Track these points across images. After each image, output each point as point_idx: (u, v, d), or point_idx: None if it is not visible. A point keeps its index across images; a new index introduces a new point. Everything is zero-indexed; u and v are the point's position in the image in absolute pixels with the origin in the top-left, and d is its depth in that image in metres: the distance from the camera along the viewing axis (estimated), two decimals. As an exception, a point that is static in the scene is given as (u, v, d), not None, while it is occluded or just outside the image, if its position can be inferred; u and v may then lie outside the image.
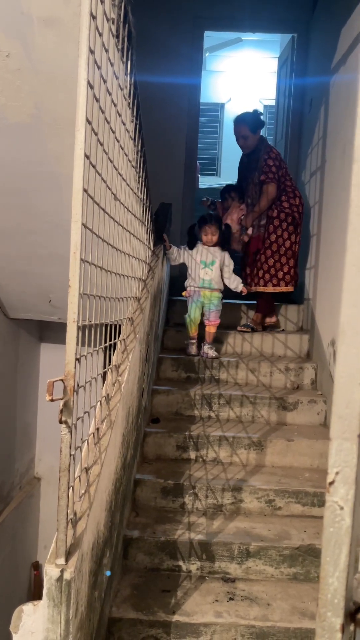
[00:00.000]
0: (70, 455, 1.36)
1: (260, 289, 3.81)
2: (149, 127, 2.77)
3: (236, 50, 8.93)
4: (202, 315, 3.53)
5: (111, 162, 1.70)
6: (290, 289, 3.83)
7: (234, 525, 2.50)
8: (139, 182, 2.44)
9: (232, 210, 4.17)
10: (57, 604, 1.38)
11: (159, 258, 3.27)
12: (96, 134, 1.44)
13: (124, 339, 2.28)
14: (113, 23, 1.66)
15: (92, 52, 1.32)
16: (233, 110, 9.13)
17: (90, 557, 1.60)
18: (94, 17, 1.34)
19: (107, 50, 1.53)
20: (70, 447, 1.35)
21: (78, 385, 1.41)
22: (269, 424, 3.16)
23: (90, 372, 1.63)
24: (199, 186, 6.59)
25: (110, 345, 2.04)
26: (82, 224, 1.32)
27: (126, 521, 2.42)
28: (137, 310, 2.54)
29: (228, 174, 7.85)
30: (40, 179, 2.48)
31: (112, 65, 1.64)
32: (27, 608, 1.47)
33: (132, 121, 2.14)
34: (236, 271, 3.61)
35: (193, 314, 3.51)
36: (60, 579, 1.37)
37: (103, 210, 1.61)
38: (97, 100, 1.44)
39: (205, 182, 7.77)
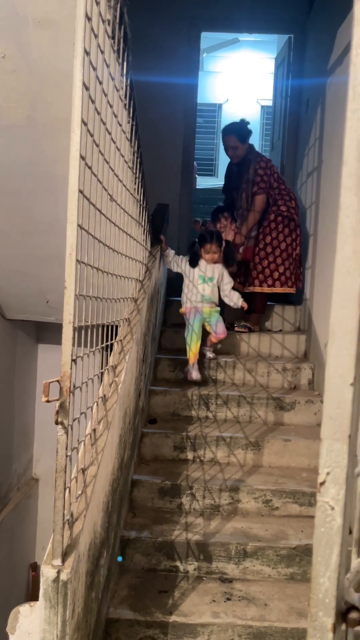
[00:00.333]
0: (67, 456, 1.36)
1: (257, 289, 3.82)
2: (146, 128, 2.77)
3: (233, 50, 8.94)
4: (203, 327, 3.43)
5: (107, 163, 1.71)
6: (286, 289, 3.83)
7: (231, 526, 2.51)
8: (135, 183, 2.45)
9: (226, 231, 4.18)
10: (53, 604, 1.38)
11: (156, 259, 3.27)
12: (92, 135, 1.44)
13: (120, 340, 2.28)
14: (109, 24, 1.66)
15: (87, 53, 1.33)
16: (231, 110, 9.15)
17: (87, 557, 1.60)
18: (89, 19, 1.34)
19: (102, 52, 1.54)
20: (66, 448, 1.35)
21: (74, 386, 1.41)
22: (266, 424, 3.16)
23: (87, 373, 1.63)
24: (197, 187, 6.59)
25: (107, 346, 2.04)
26: (78, 225, 1.33)
27: (123, 522, 2.42)
28: (134, 311, 2.54)
29: (225, 175, 7.81)
30: (36, 180, 2.48)
31: (107, 66, 1.64)
32: (24, 609, 1.47)
33: (129, 122, 2.14)
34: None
35: (197, 327, 3.34)
36: (56, 579, 1.37)
37: (99, 211, 1.61)
38: (93, 102, 1.44)
39: (203, 182, 7.77)
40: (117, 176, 1.91)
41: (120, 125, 1.94)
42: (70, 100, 1.29)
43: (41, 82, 2.01)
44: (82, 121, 1.30)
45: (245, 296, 3.88)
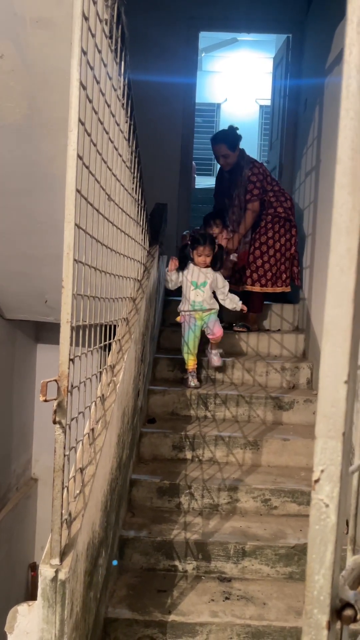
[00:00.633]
0: (65, 455, 1.36)
1: (254, 288, 3.82)
2: (145, 128, 2.77)
3: (232, 50, 8.94)
4: (202, 332, 3.36)
5: (105, 162, 1.71)
6: (281, 289, 3.84)
7: (230, 525, 2.51)
8: (133, 183, 2.45)
9: (218, 238, 4.19)
10: (51, 604, 1.38)
11: (154, 258, 3.27)
12: (89, 135, 1.44)
13: (119, 340, 2.28)
14: (106, 24, 1.66)
15: (84, 52, 1.33)
16: (229, 110, 9.15)
17: (86, 557, 1.60)
18: (86, 18, 1.34)
19: (100, 51, 1.54)
20: (64, 448, 1.35)
21: (72, 385, 1.41)
22: (264, 424, 3.16)
23: (86, 373, 1.63)
24: (196, 186, 6.59)
25: (105, 345, 2.04)
26: (75, 225, 1.33)
27: (122, 521, 2.42)
28: (133, 311, 2.55)
29: (224, 174, 7.81)
30: (35, 179, 2.48)
31: (105, 66, 1.64)
32: (22, 608, 1.47)
33: (127, 121, 2.14)
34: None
35: (191, 342, 3.30)
36: (54, 579, 1.37)
37: (97, 210, 1.61)
38: (90, 101, 1.45)
39: (202, 182, 7.77)
40: (114, 176, 1.91)
41: (118, 124, 1.95)
42: (68, 99, 1.29)
43: (39, 81, 2.01)
44: (80, 120, 1.30)
45: (243, 296, 3.89)
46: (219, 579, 2.33)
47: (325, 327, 0.52)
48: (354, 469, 0.60)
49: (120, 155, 2.04)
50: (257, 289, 3.81)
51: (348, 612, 0.53)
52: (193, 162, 5.42)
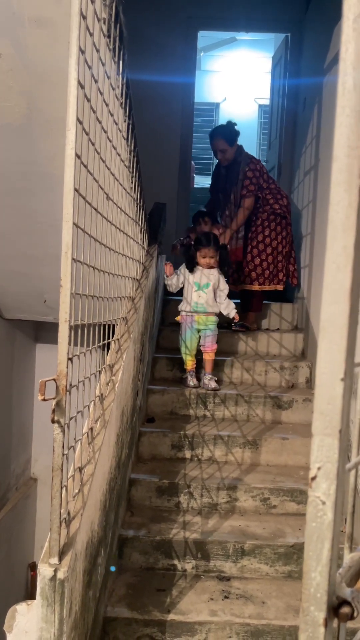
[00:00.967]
0: (63, 454, 1.36)
1: (253, 287, 3.82)
2: (143, 127, 2.77)
3: (231, 49, 8.93)
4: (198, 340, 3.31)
5: (103, 161, 1.71)
6: (277, 287, 3.85)
7: (229, 524, 2.51)
8: (132, 182, 2.45)
9: None
10: (50, 603, 1.38)
11: (153, 258, 3.27)
12: (87, 134, 1.44)
13: (118, 339, 2.28)
14: (104, 23, 1.66)
15: (82, 52, 1.33)
16: (228, 109, 9.14)
17: (85, 556, 1.60)
18: (84, 17, 1.34)
19: (98, 50, 1.54)
20: (63, 447, 1.35)
21: (70, 384, 1.41)
22: (263, 423, 3.16)
23: (85, 372, 1.63)
24: (195, 186, 6.60)
25: (104, 345, 2.04)
26: (74, 224, 1.33)
27: (121, 521, 2.42)
28: (131, 310, 2.55)
29: (223, 174, 7.81)
30: (33, 179, 2.48)
31: (103, 65, 1.64)
32: (21, 608, 1.47)
33: (125, 121, 2.14)
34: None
35: (189, 342, 3.27)
36: (53, 578, 1.37)
37: (95, 209, 1.61)
38: (89, 100, 1.45)
39: (201, 181, 7.78)
40: (113, 175, 1.91)
41: (116, 123, 1.95)
42: (67, 99, 1.29)
43: (38, 81, 2.01)
44: (78, 119, 1.30)
45: (242, 295, 3.89)
46: (218, 578, 2.33)
47: (321, 324, 0.52)
48: (350, 467, 0.60)
49: (119, 155, 2.04)
50: (256, 287, 3.81)
51: (345, 609, 0.53)
52: (192, 162, 5.42)
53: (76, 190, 1.33)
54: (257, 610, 2.11)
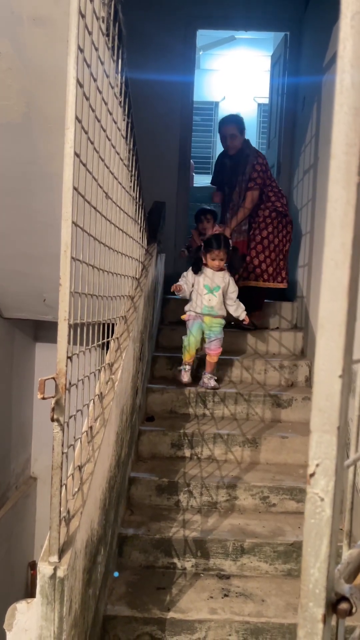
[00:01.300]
0: (63, 453, 1.36)
1: (259, 284, 3.82)
2: (142, 126, 2.77)
3: (230, 48, 8.93)
4: (203, 340, 3.28)
5: (102, 160, 1.71)
6: (281, 285, 3.85)
7: (228, 523, 2.51)
8: (131, 181, 2.45)
9: (208, 232, 4.19)
10: (50, 601, 1.38)
11: (153, 256, 3.27)
12: (86, 133, 1.44)
13: (117, 338, 2.28)
14: (103, 21, 1.66)
15: (81, 50, 1.33)
16: (227, 108, 9.14)
17: (84, 554, 1.60)
18: (83, 16, 1.34)
19: (97, 49, 1.54)
20: (62, 445, 1.35)
21: (70, 383, 1.41)
22: (263, 422, 3.17)
23: (84, 371, 1.63)
24: (194, 185, 6.59)
25: (104, 343, 2.04)
26: (73, 223, 1.33)
27: (121, 519, 2.42)
28: (131, 309, 2.55)
29: (223, 173, 7.81)
30: (32, 178, 2.48)
31: (102, 63, 1.64)
32: (21, 606, 1.48)
33: (124, 119, 2.14)
34: None
35: (195, 333, 3.22)
36: (53, 576, 1.37)
37: (94, 208, 1.61)
38: (88, 99, 1.44)
39: (200, 180, 7.78)
40: (112, 174, 1.91)
41: (115, 122, 1.94)
42: (65, 98, 1.29)
43: (37, 79, 2.01)
44: (76, 118, 1.30)
45: (247, 292, 3.87)
46: (217, 576, 2.33)
47: (320, 321, 0.52)
48: (349, 463, 0.60)
49: (118, 154, 2.04)
50: (261, 284, 3.82)
51: (343, 605, 0.53)
52: (191, 161, 5.42)
53: (75, 189, 1.33)
54: (256, 608, 2.11)
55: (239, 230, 3.82)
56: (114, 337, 2.25)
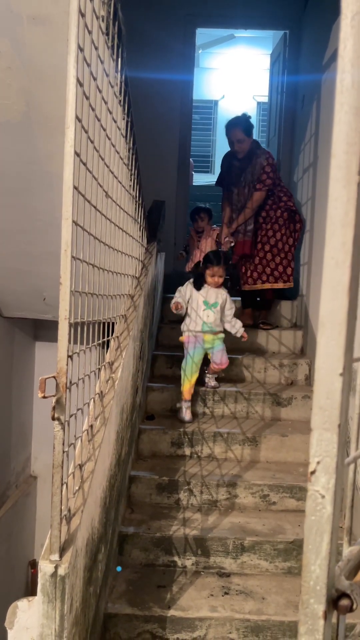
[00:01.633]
0: (64, 452, 1.36)
1: (269, 285, 3.82)
2: (142, 125, 2.77)
3: (229, 47, 8.93)
4: (206, 355, 3.19)
5: (102, 159, 1.71)
6: (289, 284, 3.86)
7: (228, 521, 2.52)
8: (131, 180, 2.45)
9: (206, 233, 4.20)
10: (51, 599, 1.38)
11: (152, 255, 3.27)
12: (86, 132, 1.44)
13: (117, 337, 2.29)
14: (103, 20, 1.66)
15: (81, 49, 1.33)
16: (227, 107, 9.14)
17: (85, 553, 1.61)
18: (82, 15, 1.34)
19: (96, 48, 1.54)
20: (63, 444, 1.35)
21: (70, 382, 1.42)
22: (263, 420, 3.17)
23: (84, 370, 1.64)
24: (193, 183, 6.59)
25: (104, 342, 2.04)
26: (73, 222, 1.33)
27: (121, 517, 2.43)
28: (131, 308, 2.55)
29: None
30: (32, 177, 2.48)
31: (102, 62, 1.64)
32: (22, 604, 1.48)
33: (124, 118, 2.14)
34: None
35: (197, 359, 3.11)
36: (54, 574, 1.38)
37: (94, 207, 1.61)
38: (87, 98, 1.45)
39: (200, 179, 7.78)
40: (112, 172, 1.91)
41: (115, 121, 1.95)
42: (65, 97, 1.29)
43: (36, 78, 2.01)
44: (77, 117, 1.30)
45: (258, 293, 3.87)
46: (218, 574, 2.34)
47: (320, 320, 0.53)
48: (349, 461, 0.61)
49: (118, 152, 2.04)
50: (267, 285, 3.82)
51: (344, 602, 0.54)
52: (190, 159, 5.42)
53: (75, 188, 1.33)
54: (257, 606, 2.12)
55: (243, 230, 3.79)
56: (114, 335, 2.25)
